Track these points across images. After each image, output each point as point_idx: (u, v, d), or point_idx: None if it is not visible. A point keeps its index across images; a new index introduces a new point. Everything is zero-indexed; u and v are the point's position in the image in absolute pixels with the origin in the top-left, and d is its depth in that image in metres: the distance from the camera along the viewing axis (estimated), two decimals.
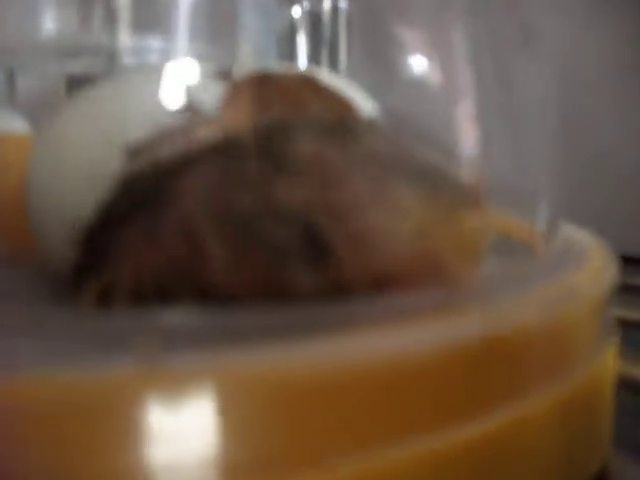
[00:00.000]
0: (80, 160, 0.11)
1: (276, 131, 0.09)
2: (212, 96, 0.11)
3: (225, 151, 0.09)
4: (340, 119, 0.09)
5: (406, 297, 0.08)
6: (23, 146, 0.14)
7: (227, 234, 0.08)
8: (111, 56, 0.18)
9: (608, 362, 0.11)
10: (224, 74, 0.12)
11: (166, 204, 0.09)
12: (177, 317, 0.07)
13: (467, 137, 0.12)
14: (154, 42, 0.18)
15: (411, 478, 0.07)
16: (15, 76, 0.20)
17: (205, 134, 0.09)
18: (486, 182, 0.10)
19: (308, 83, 0.11)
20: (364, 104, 0.14)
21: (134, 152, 0.10)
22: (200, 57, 0.18)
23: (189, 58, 0.17)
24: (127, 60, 0.18)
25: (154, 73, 0.12)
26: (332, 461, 0.07)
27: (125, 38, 0.18)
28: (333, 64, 0.22)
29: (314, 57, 0.22)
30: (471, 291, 0.09)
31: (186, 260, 0.08)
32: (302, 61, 0.22)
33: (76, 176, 0.11)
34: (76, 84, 0.18)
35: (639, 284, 0.24)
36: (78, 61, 0.18)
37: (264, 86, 0.11)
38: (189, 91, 0.12)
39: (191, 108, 0.10)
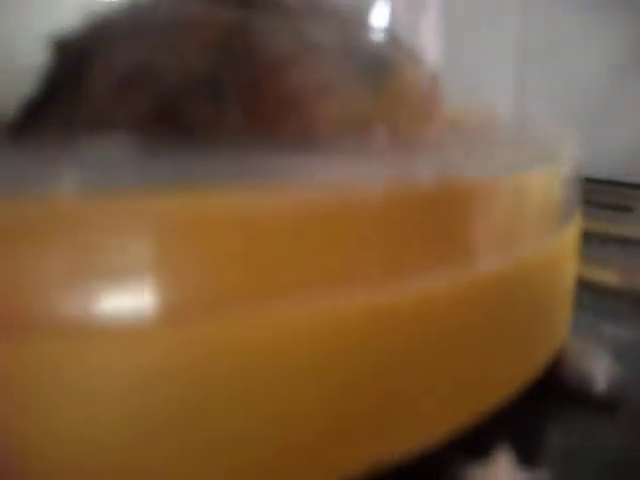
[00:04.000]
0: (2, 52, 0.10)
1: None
2: None
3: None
4: None
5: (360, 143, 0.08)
6: None
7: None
8: None
9: (567, 243, 0.10)
10: None
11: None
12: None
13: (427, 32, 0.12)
14: None
15: (349, 329, 0.07)
16: None
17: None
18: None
19: None
20: None
21: (59, 45, 0.09)
22: None
23: None
24: None
25: None
26: (274, 302, 0.06)
27: None
28: None
29: None
30: (425, 147, 0.08)
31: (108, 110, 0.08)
32: None
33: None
34: None
35: (596, 200, 0.25)
36: None
37: None
38: None
39: None
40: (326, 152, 0.07)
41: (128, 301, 0.06)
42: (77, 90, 0.08)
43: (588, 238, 0.21)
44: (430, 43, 0.13)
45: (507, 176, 0.08)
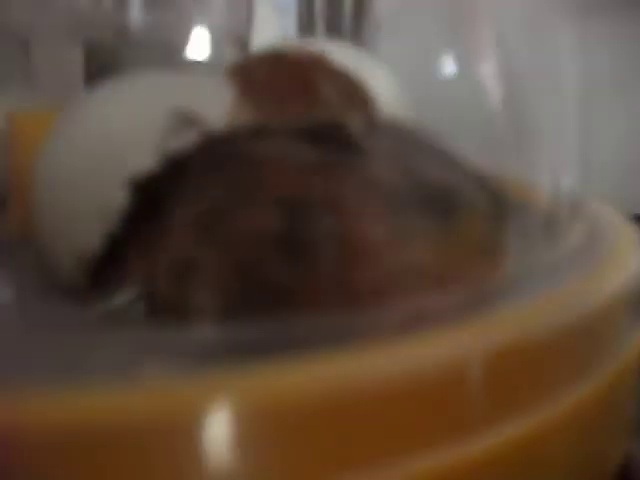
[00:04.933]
0: (84, 187, 0.10)
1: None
2: (220, 100, 0.10)
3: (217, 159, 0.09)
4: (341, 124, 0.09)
5: (430, 304, 0.08)
6: (39, 123, 0.13)
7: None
8: (122, 31, 0.17)
9: (633, 354, 0.10)
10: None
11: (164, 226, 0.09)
12: (191, 333, 0.07)
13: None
14: (167, 16, 0.17)
15: None
16: (30, 49, 0.20)
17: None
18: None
19: (319, 64, 0.10)
20: (385, 80, 0.13)
21: (136, 184, 0.09)
22: (214, 29, 0.17)
23: (202, 31, 0.17)
24: (139, 35, 0.17)
25: (158, 83, 0.12)
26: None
27: (136, 12, 0.18)
28: (356, 32, 0.21)
29: (334, 25, 0.21)
30: (493, 294, 0.09)
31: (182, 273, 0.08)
32: (320, 29, 0.21)
33: (81, 203, 0.10)
34: (93, 56, 0.18)
35: None
36: (90, 35, 0.17)
37: (275, 71, 0.10)
38: (194, 101, 0.11)
39: (195, 122, 0.10)
40: (406, 310, 0.08)
41: None
42: (155, 229, 0.09)
43: None
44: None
45: (583, 314, 0.09)
